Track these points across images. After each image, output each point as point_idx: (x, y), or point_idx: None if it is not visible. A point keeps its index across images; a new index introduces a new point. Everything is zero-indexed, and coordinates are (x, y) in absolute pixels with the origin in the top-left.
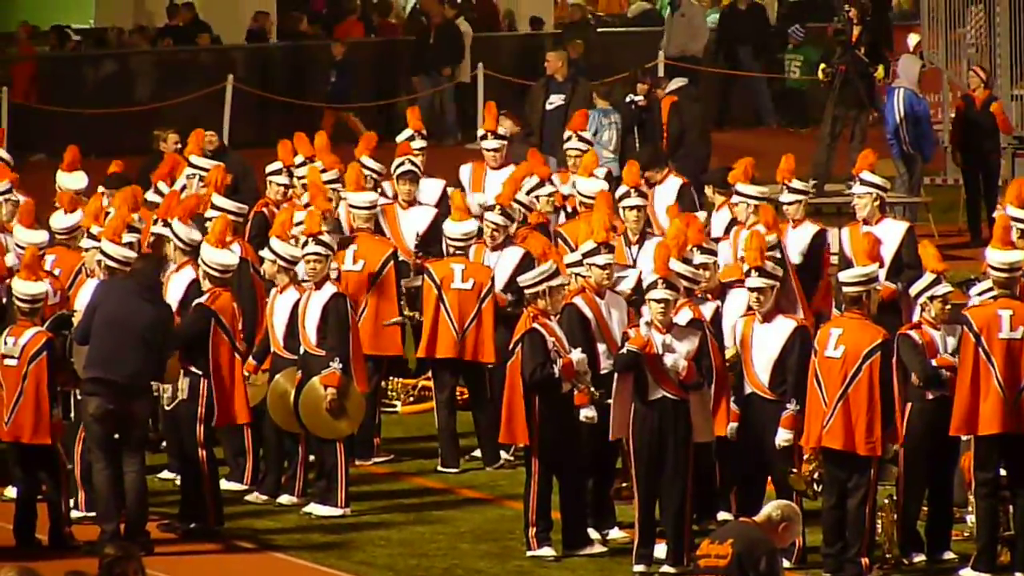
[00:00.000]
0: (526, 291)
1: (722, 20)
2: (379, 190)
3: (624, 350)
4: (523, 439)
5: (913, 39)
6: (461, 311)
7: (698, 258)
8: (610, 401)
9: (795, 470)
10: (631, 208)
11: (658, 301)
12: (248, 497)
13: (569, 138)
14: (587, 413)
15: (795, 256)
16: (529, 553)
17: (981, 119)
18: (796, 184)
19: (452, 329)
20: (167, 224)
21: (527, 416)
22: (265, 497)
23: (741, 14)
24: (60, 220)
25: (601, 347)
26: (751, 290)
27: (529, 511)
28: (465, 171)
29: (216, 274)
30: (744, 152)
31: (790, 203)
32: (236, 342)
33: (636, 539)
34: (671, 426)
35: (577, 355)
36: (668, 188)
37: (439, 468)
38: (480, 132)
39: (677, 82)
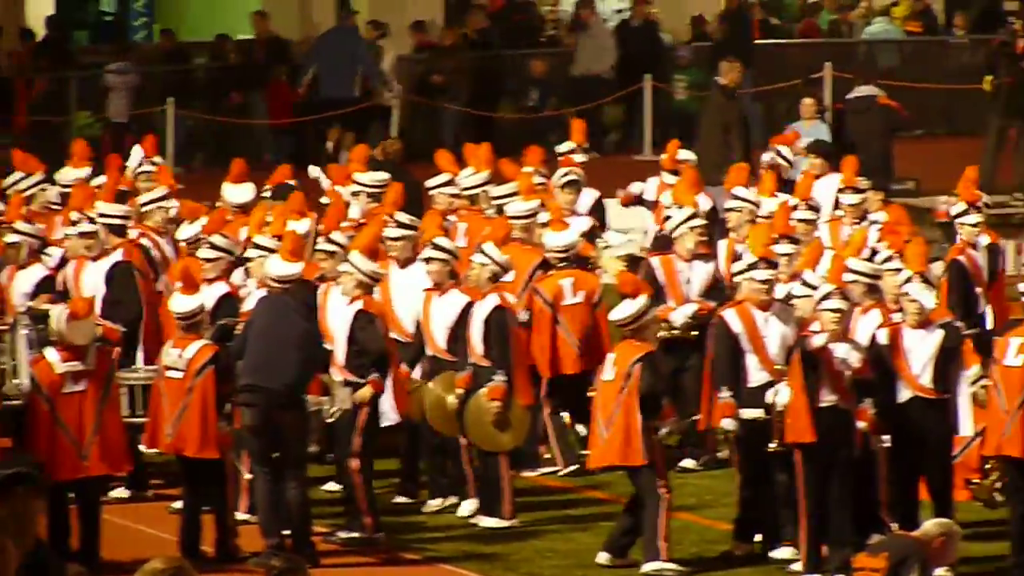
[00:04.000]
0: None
1: (619, 38)
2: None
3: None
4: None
5: None
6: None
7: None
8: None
9: (978, 480)
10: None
11: (833, 311)
12: (425, 507)
13: None
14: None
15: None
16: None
17: None
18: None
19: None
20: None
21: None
22: (438, 501)
23: (635, 32)
24: (183, 231)
25: (752, 360)
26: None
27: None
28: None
29: (369, 281)
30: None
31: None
32: (391, 348)
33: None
34: (842, 435)
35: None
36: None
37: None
38: None
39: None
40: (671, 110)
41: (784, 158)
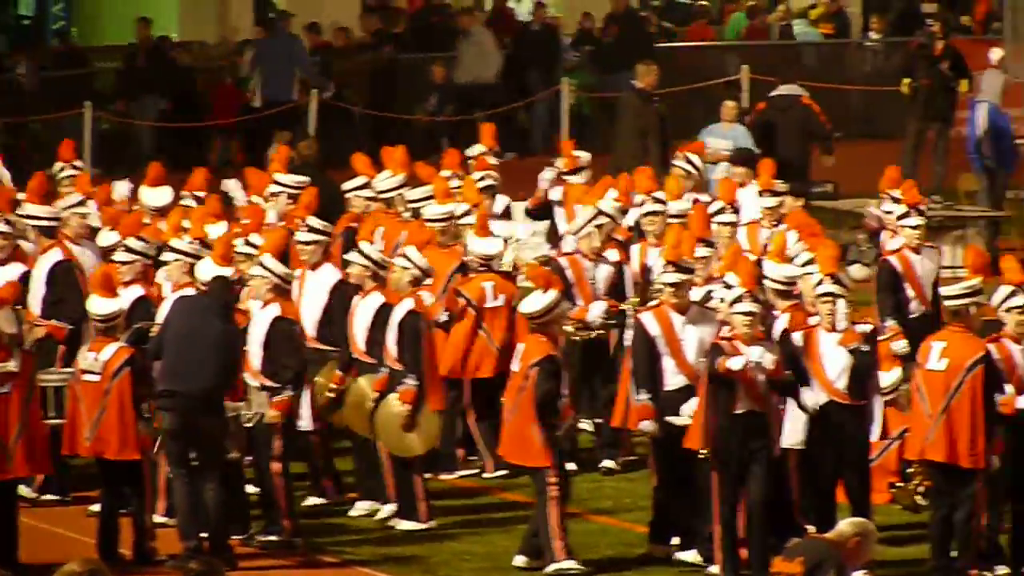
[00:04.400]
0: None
1: (514, 43)
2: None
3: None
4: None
5: (996, 53)
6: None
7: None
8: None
9: (900, 484)
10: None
11: (745, 314)
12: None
13: None
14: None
15: None
16: None
17: None
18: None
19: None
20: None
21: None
22: (368, 505)
23: (533, 36)
24: (105, 237)
25: (669, 363)
26: (826, 297)
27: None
28: None
29: (283, 284)
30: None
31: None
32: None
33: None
34: (755, 439)
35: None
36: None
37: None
38: None
39: None
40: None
41: (694, 166)
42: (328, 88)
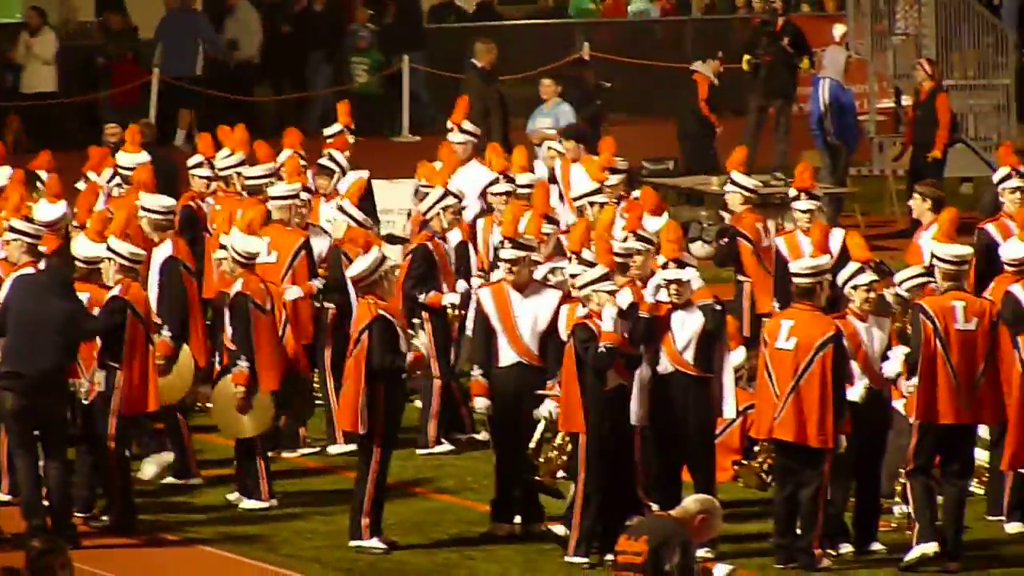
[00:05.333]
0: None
1: (296, 24)
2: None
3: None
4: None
5: (839, 30)
6: None
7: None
8: None
9: (745, 462)
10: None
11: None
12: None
13: None
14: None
15: None
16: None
17: (927, 112)
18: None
19: None
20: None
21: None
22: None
23: (316, 16)
24: None
25: (503, 340)
26: (671, 282)
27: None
28: None
29: (127, 263)
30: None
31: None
32: (150, 332)
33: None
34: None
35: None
36: None
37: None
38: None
39: None
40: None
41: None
42: (232, 62)
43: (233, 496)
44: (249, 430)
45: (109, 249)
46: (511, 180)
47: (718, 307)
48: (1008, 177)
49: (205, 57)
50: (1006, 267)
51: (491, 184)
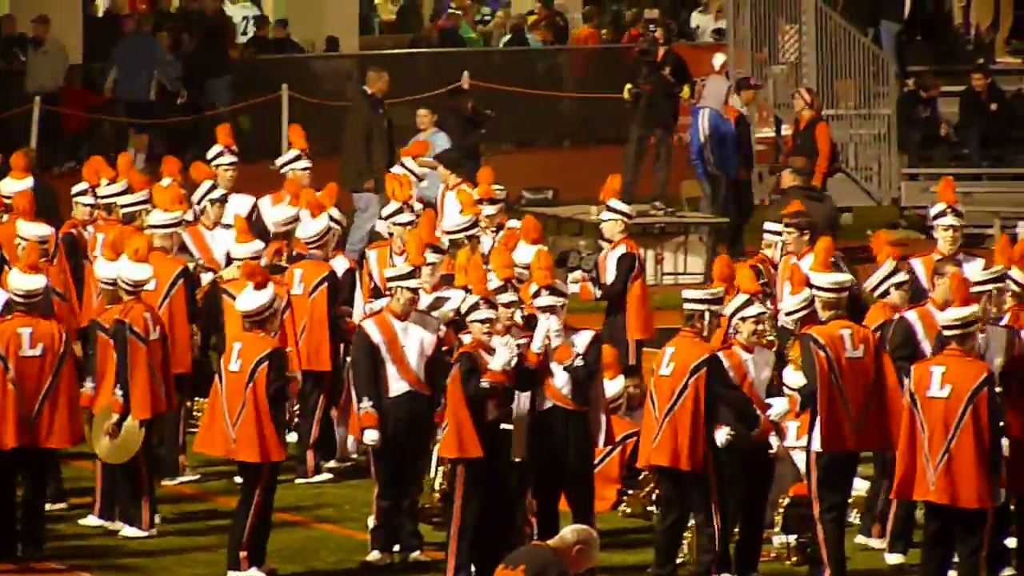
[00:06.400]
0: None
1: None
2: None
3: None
4: None
5: (719, 59)
6: None
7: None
8: None
9: (631, 492)
10: None
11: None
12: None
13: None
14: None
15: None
16: None
17: (805, 141)
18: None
19: None
20: None
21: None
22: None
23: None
24: None
25: (392, 369)
26: (543, 309)
27: None
28: None
29: (22, 300)
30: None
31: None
32: (9, 366)
33: None
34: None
35: None
36: None
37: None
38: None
39: None
40: None
41: (410, 171)
42: (181, 93)
43: (96, 521)
44: (117, 457)
45: (10, 287)
46: (412, 210)
47: (594, 337)
48: (943, 214)
49: (158, 84)
50: (944, 332)
51: (394, 214)
